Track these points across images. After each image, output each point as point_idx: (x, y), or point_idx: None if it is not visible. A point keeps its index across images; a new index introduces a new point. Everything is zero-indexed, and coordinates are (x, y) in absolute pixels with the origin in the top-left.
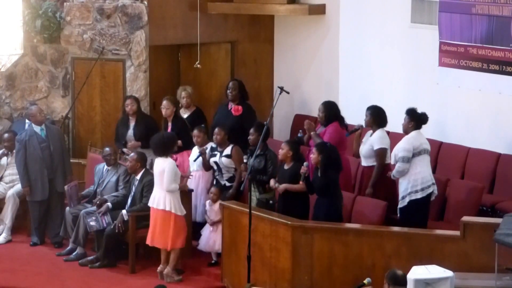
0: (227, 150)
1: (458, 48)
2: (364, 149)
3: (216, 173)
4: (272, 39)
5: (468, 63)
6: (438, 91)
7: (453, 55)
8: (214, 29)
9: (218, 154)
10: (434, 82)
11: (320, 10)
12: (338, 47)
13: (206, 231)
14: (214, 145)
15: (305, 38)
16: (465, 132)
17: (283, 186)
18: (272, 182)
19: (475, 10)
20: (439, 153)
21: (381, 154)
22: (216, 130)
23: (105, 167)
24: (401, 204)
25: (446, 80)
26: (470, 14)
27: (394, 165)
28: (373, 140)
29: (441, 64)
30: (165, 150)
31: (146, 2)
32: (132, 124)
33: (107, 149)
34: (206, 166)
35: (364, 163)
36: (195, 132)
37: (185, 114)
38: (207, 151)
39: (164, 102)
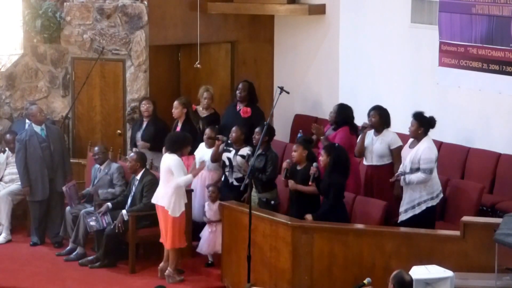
0: (244, 151)
1: (458, 48)
2: (378, 148)
3: (227, 169)
4: (272, 39)
5: (468, 63)
6: (438, 91)
7: (453, 55)
8: (214, 29)
9: (234, 151)
10: (434, 82)
11: (320, 10)
12: (338, 47)
13: (205, 232)
14: (229, 142)
15: (305, 38)
16: (465, 132)
17: (294, 185)
18: (285, 163)
19: (475, 10)
20: (439, 153)
21: (400, 152)
22: (234, 128)
23: (99, 166)
24: (417, 210)
25: (446, 80)
26: (470, 14)
27: (404, 171)
28: (390, 140)
29: (441, 64)
30: (177, 146)
31: (146, 2)
32: (144, 126)
33: (96, 148)
34: (215, 157)
35: (377, 162)
36: (208, 131)
37: (203, 114)
38: (222, 145)
39: (174, 103)
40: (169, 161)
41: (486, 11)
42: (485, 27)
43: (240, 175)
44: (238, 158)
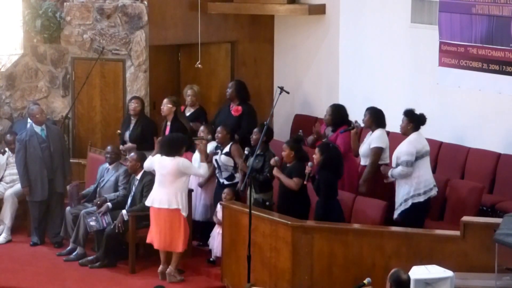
0: (226, 148)
1: (458, 48)
2: (363, 148)
3: (216, 171)
4: (272, 39)
5: (468, 63)
6: (438, 91)
7: (453, 55)
8: (214, 29)
9: (219, 152)
10: (434, 82)
11: (320, 10)
12: (338, 47)
13: (215, 233)
14: (218, 144)
15: (305, 38)
16: (465, 132)
17: (277, 172)
18: (273, 160)
19: (475, 10)
20: (439, 153)
21: (375, 152)
22: (219, 129)
23: (107, 166)
24: (404, 206)
25: (446, 80)
26: (470, 14)
27: (393, 167)
28: (371, 139)
29: (441, 64)
30: (172, 149)
31: (146, 2)
32: (132, 125)
33: (108, 147)
34: (205, 157)
35: (363, 162)
36: (202, 128)
37: (188, 112)
38: (210, 147)
39: (164, 100)
40: (173, 164)
41: (486, 11)
42: (485, 27)
43: (228, 173)
44: (223, 157)
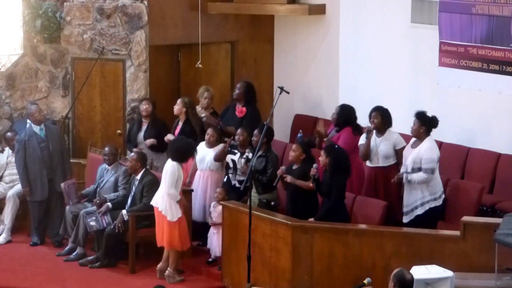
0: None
1: (458, 48)
2: (383, 149)
3: (230, 171)
4: (272, 39)
5: (468, 63)
6: (438, 91)
7: (453, 55)
8: (214, 29)
9: (239, 154)
10: (434, 82)
11: (320, 10)
12: (338, 47)
13: (210, 233)
14: (234, 144)
15: (305, 38)
16: (465, 132)
17: (293, 180)
18: (280, 170)
19: (475, 10)
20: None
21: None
22: (239, 130)
23: (106, 166)
24: (420, 211)
25: (446, 80)
26: (470, 14)
27: (406, 171)
28: (393, 140)
29: (441, 64)
30: (180, 156)
31: (146, 2)
32: (144, 126)
33: (106, 148)
34: (220, 157)
35: (383, 163)
36: (209, 131)
37: (202, 114)
38: (202, 154)
39: (178, 100)
40: (168, 167)
41: (486, 11)
42: (485, 27)
43: (243, 178)
44: (243, 160)
